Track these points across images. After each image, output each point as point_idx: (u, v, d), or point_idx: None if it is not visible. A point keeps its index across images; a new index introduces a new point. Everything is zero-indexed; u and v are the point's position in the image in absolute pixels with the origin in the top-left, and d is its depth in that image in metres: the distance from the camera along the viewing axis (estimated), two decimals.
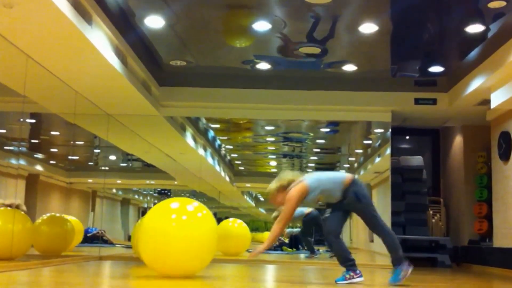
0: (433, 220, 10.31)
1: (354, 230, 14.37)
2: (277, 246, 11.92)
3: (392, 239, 5.14)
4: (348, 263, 5.14)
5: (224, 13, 6.77)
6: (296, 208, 5.14)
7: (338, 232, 5.27)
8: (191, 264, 5.20)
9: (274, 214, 8.24)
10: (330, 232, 5.25)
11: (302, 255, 11.11)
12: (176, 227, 5.07)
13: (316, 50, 7.83)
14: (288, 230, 12.69)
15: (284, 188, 5.16)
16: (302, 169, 13.40)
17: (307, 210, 10.30)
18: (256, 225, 15.78)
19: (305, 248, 11.44)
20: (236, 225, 10.19)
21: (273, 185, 5.23)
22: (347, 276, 5.09)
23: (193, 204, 5.31)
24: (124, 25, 6.95)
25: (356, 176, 5.53)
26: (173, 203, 5.32)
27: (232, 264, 8.16)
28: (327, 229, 5.29)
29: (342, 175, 5.40)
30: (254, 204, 14.66)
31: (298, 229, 12.89)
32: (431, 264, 9.62)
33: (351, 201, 5.14)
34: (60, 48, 6.22)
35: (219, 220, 13.08)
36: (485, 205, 9.57)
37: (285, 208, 5.07)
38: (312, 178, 5.22)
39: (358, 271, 5.12)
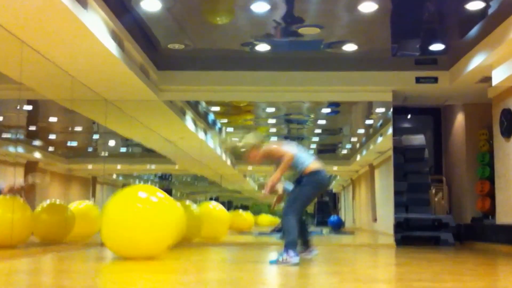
0: (436, 199, 10.30)
1: (357, 211, 14.37)
2: (279, 229, 11.90)
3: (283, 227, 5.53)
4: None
5: None
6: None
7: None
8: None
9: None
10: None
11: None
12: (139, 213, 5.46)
13: (316, 30, 7.75)
14: None
15: (257, 147, 5.59)
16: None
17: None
18: (259, 208, 15.77)
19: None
20: (217, 209, 9.74)
21: (251, 140, 5.64)
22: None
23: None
24: (120, 8, 6.87)
25: (320, 168, 5.63)
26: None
27: (213, 247, 8.14)
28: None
29: (308, 162, 5.56)
30: (256, 188, 14.62)
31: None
32: (434, 243, 9.62)
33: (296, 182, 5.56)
34: (56, 33, 6.14)
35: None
36: (487, 183, 9.54)
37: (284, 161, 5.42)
38: (296, 151, 5.56)
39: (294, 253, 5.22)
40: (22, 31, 6.05)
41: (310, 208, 14.08)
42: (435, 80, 8.99)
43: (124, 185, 13.20)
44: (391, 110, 9.41)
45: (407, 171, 10.19)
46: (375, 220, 12.36)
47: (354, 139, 13.36)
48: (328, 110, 11.16)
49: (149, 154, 12.75)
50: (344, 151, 14.05)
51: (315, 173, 5.50)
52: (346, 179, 14.23)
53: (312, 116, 11.71)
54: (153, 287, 3.65)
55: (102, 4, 6.31)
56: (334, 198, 15.79)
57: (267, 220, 14.58)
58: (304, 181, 5.48)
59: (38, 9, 5.45)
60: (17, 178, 8.30)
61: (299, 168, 5.51)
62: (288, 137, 12.68)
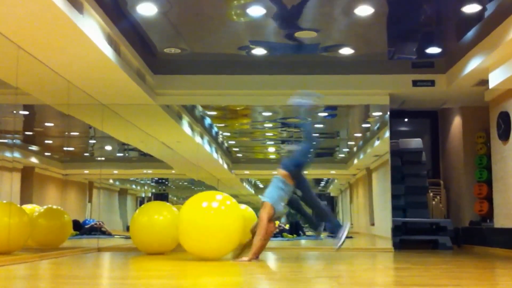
0: (434, 202, 10.28)
1: (355, 214, 14.33)
2: (277, 233, 11.88)
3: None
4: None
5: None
6: (266, 223, 6.23)
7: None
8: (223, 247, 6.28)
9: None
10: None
11: (303, 241, 11.07)
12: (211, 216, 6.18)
13: (312, 34, 7.74)
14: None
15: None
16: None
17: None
18: (256, 213, 15.74)
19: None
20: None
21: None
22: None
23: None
24: (116, 13, 6.86)
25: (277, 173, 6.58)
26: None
27: None
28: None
29: (277, 177, 6.49)
30: (253, 192, 14.58)
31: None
32: (432, 246, 9.60)
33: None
34: (52, 38, 6.13)
35: None
36: (485, 186, 9.54)
37: (259, 224, 6.27)
38: (269, 195, 6.37)
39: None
40: (18, 36, 6.04)
41: (308, 211, 14.04)
42: (432, 83, 8.99)
43: (121, 190, 13.16)
44: (388, 113, 9.40)
45: (404, 174, 10.18)
46: (372, 224, 12.33)
47: (351, 143, 13.34)
48: (325, 113, 11.15)
49: (146, 158, 12.71)
50: (341, 155, 14.02)
51: None
52: (343, 183, 14.19)
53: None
54: None
55: (98, 9, 6.30)
56: (332, 202, 15.74)
57: None
58: None
59: (34, 14, 5.44)
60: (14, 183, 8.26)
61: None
62: (285, 141, 12.68)
